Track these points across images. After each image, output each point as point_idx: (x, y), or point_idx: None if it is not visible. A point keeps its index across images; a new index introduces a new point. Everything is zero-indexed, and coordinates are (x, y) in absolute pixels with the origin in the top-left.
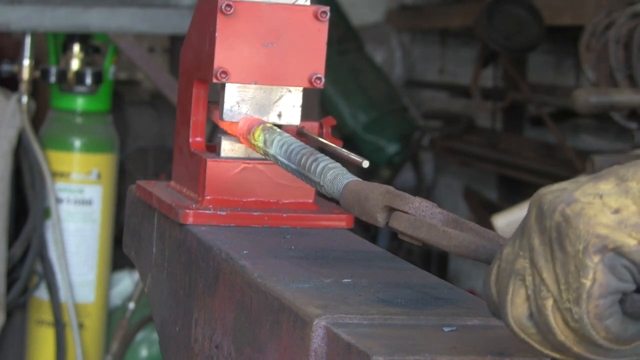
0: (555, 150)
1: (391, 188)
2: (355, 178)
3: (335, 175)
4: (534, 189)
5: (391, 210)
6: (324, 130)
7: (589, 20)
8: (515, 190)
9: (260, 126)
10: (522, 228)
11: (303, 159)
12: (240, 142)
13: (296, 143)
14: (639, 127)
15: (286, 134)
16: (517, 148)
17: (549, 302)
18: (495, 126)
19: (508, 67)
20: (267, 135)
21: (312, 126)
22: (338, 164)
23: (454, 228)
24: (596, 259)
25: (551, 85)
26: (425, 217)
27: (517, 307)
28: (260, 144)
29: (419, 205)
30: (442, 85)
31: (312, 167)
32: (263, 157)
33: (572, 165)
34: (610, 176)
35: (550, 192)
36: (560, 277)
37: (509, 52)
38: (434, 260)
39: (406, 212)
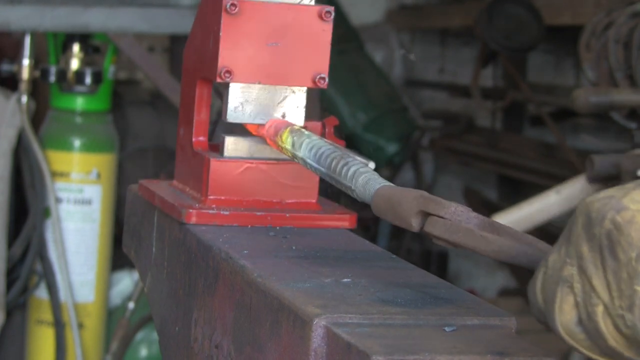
0: (555, 149)
1: (425, 193)
2: (387, 183)
3: (367, 180)
4: (534, 189)
5: (425, 215)
6: (327, 130)
7: (588, 20)
8: (515, 190)
9: (288, 128)
10: (569, 236)
11: (333, 163)
12: (244, 142)
13: (326, 146)
14: (639, 126)
15: (315, 136)
16: (517, 148)
17: (600, 309)
18: (495, 126)
19: (508, 67)
20: (295, 138)
21: (315, 126)
22: (369, 168)
23: (491, 232)
24: None
25: (551, 85)
26: (461, 222)
27: (566, 313)
28: (289, 147)
29: (454, 210)
30: (442, 84)
31: (343, 172)
32: (267, 156)
33: (572, 165)
34: None
35: (598, 200)
36: (611, 284)
37: (508, 52)
38: (433, 260)
39: (441, 217)
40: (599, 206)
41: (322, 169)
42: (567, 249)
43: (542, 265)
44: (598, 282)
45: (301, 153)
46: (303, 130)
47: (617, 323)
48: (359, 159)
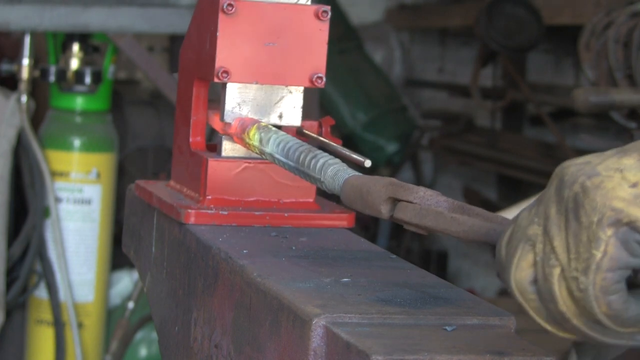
0: (554, 149)
1: (394, 180)
2: (356, 173)
3: (335, 171)
4: (533, 188)
5: (395, 201)
6: (323, 129)
7: (588, 20)
8: (515, 189)
9: (255, 125)
10: (541, 196)
11: (302, 156)
12: None
13: (293, 140)
14: (638, 126)
15: (282, 132)
16: (517, 147)
17: (556, 271)
18: (494, 125)
19: (507, 67)
20: (262, 134)
21: (312, 125)
22: (338, 160)
23: (461, 214)
24: (609, 231)
25: (550, 85)
26: (430, 206)
27: (522, 270)
28: (256, 143)
29: (423, 195)
30: (442, 84)
31: (312, 164)
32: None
33: None
34: (634, 152)
35: (574, 165)
36: (571, 246)
37: (508, 52)
38: (433, 259)
39: (411, 202)
40: (574, 170)
41: (291, 163)
42: (537, 208)
43: (512, 221)
44: (559, 244)
45: (269, 148)
46: (270, 126)
47: (570, 286)
48: (355, 156)
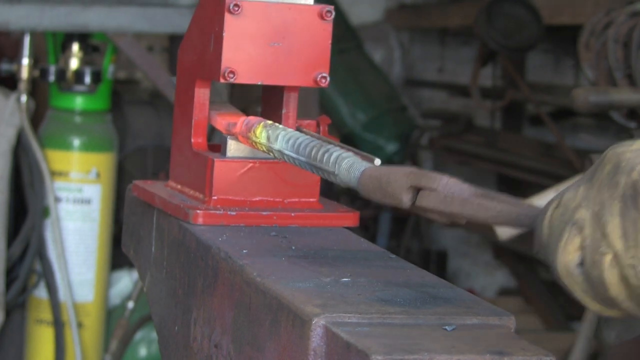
0: (554, 149)
1: (414, 169)
2: (372, 165)
3: (350, 164)
4: (533, 188)
5: (416, 190)
6: (321, 128)
7: (588, 20)
8: (515, 189)
9: (262, 123)
10: (590, 180)
11: (313, 151)
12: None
13: (303, 136)
14: (638, 126)
15: (290, 129)
16: (516, 147)
17: (607, 258)
18: (494, 125)
19: (507, 66)
20: (270, 132)
21: (310, 124)
22: (351, 153)
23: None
24: None
25: (550, 85)
26: (454, 193)
27: (568, 254)
28: (263, 141)
29: (446, 182)
30: (441, 84)
31: (325, 158)
32: (269, 156)
33: (571, 165)
34: None
35: (630, 151)
36: (629, 234)
37: (508, 51)
38: (432, 259)
39: (434, 190)
40: (631, 156)
41: (302, 158)
42: (586, 192)
43: (555, 199)
44: (613, 230)
45: (277, 145)
46: (277, 124)
47: (626, 273)
48: (363, 154)
